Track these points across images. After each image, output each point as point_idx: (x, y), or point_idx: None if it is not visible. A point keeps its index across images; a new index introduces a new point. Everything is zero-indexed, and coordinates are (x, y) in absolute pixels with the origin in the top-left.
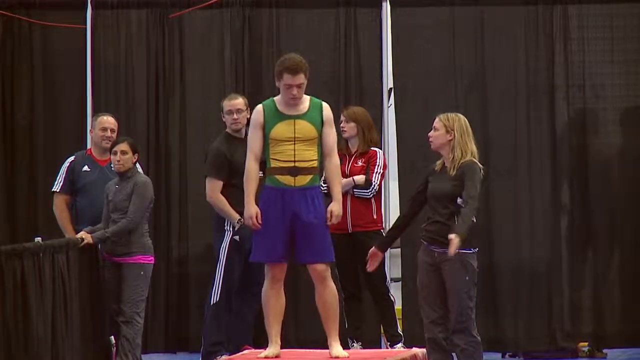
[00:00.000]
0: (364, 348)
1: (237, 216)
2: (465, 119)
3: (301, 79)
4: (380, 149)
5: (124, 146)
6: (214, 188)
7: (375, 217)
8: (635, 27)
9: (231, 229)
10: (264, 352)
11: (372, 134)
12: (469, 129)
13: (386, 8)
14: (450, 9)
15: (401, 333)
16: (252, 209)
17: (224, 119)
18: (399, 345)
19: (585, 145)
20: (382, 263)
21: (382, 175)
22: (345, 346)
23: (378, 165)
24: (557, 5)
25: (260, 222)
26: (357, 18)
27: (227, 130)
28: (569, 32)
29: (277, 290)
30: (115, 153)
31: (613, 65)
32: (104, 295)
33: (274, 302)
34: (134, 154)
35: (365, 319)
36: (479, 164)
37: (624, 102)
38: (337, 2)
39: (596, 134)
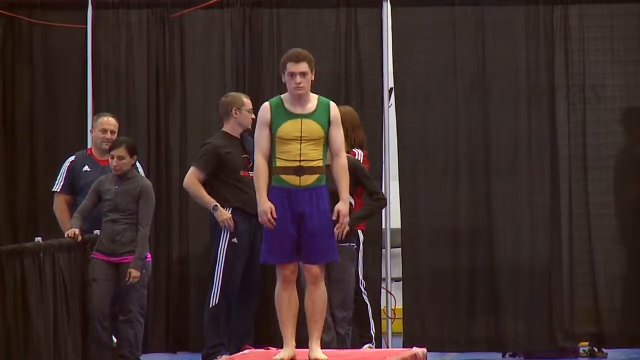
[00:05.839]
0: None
1: (213, 202)
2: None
3: (304, 67)
4: (363, 149)
5: (120, 151)
6: (193, 175)
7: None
8: (636, 27)
9: (228, 233)
10: (278, 355)
11: (356, 134)
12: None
13: (386, 8)
14: (450, 9)
15: (372, 335)
16: (266, 204)
17: (235, 116)
18: (366, 346)
19: (585, 144)
20: (356, 264)
21: None
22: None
23: None
24: (558, 5)
25: (274, 217)
26: (358, 18)
27: (224, 129)
28: (569, 31)
29: (289, 291)
30: (112, 157)
31: (613, 65)
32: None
33: (286, 303)
34: (131, 156)
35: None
36: None
37: (624, 101)
38: (338, 2)
39: (596, 134)
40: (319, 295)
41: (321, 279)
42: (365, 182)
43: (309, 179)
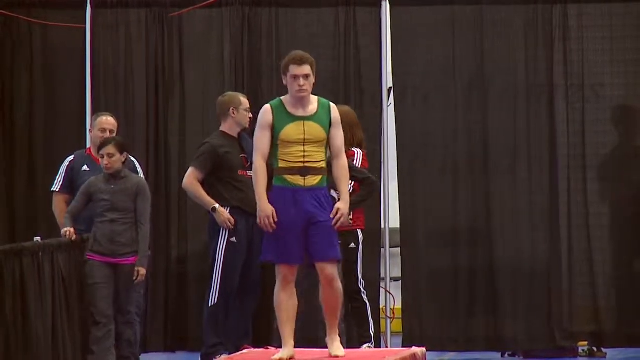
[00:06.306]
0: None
1: (212, 202)
2: None
3: (307, 69)
4: (362, 148)
5: (109, 149)
6: (192, 176)
7: (351, 216)
8: (634, 27)
9: (226, 232)
10: (277, 354)
11: (355, 133)
12: None
13: (386, 7)
14: (450, 8)
15: (372, 334)
16: (268, 207)
17: (232, 116)
18: (366, 346)
19: (584, 144)
20: (355, 263)
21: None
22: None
23: None
24: (557, 5)
25: (275, 221)
26: (357, 17)
27: (222, 128)
28: (568, 31)
29: (289, 291)
30: (102, 156)
31: (612, 65)
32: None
33: (286, 303)
34: (121, 153)
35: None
36: None
37: (622, 101)
38: (337, 1)
39: (595, 133)
40: (335, 294)
41: (336, 278)
42: (353, 174)
43: (313, 180)
